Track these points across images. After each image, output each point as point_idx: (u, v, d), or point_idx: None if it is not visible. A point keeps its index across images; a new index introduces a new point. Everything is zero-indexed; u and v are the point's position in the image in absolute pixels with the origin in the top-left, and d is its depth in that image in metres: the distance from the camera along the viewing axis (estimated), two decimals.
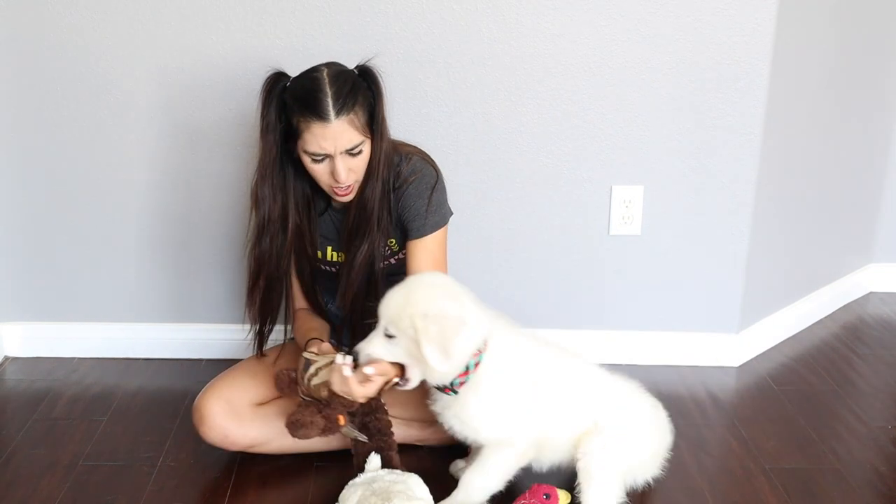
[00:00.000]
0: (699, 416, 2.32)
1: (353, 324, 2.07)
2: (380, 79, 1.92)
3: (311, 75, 1.89)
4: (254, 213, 2.02)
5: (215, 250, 2.50)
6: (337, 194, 1.94)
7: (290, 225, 2.00)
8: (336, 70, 1.90)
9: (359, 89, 1.88)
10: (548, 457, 1.91)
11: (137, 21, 2.30)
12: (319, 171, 1.90)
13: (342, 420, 1.85)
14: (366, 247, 1.99)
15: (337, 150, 1.86)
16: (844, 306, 3.02)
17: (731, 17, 2.31)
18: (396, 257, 2.09)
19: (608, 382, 1.94)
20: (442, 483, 1.98)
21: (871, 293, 3.13)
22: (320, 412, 1.84)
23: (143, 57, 2.33)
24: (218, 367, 2.22)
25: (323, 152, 1.86)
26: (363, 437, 1.92)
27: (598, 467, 1.83)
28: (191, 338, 2.58)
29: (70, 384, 2.44)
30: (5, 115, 2.39)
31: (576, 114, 2.39)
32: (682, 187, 2.47)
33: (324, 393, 1.84)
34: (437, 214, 2.02)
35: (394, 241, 2.06)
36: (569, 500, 1.88)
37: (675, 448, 2.17)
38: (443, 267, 2.05)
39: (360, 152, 1.89)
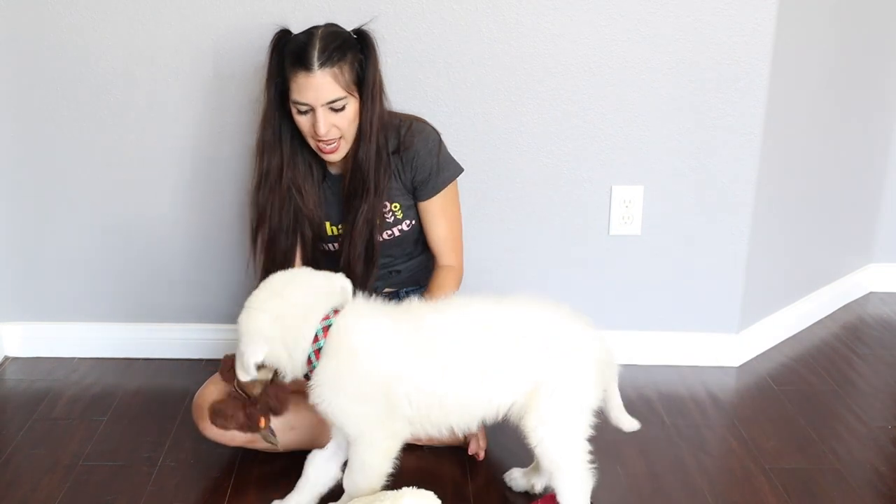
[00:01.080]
0: (699, 416, 2.32)
1: None
2: (375, 43, 1.98)
3: (307, 31, 1.97)
4: (257, 163, 2.08)
5: (216, 250, 2.50)
6: (322, 151, 1.99)
7: (283, 182, 2.05)
8: (332, 29, 1.98)
9: (348, 48, 1.94)
10: (465, 421, 1.77)
11: (137, 21, 2.30)
12: (304, 123, 1.96)
13: (263, 423, 1.84)
14: (364, 209, 2.03)
15: (318, 102, 1.91)
16: (844, 306, 3.02)
17: (731, 17, 2.31)
18: (400, 227, 2.12)
19: (529, 331, 1.76)
20: (440, 484, 1.98)
21: (871, 293, 3.13)
22: (244, 409, 1.84)
23: (143, 57, 2.33)
24: (218, 367, 2.22)
25: (305, 102, 1.92)
26: (276, 441, 1.92)
27: (562, 459, 1.74)
28: (191, 338, 2.58)
29: (70, 384, 2.44)
30: (5, 116, 2.38)
31: (576, 114, 2.39)
32: (682, 187, 2.47)
33: (256, 390, 1.83)
34: (447, 170, 2.10)
35: (398, 205, 2.10)
36: None
37: (675, 448, 2.17)
38: (457, 224, 2.15)
39: (342, 108, 1.94)
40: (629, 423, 1.88)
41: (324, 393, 1.72)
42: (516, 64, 2.35)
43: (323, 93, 1.91)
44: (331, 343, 1.71)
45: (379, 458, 1.77)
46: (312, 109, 1.93)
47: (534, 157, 2.43)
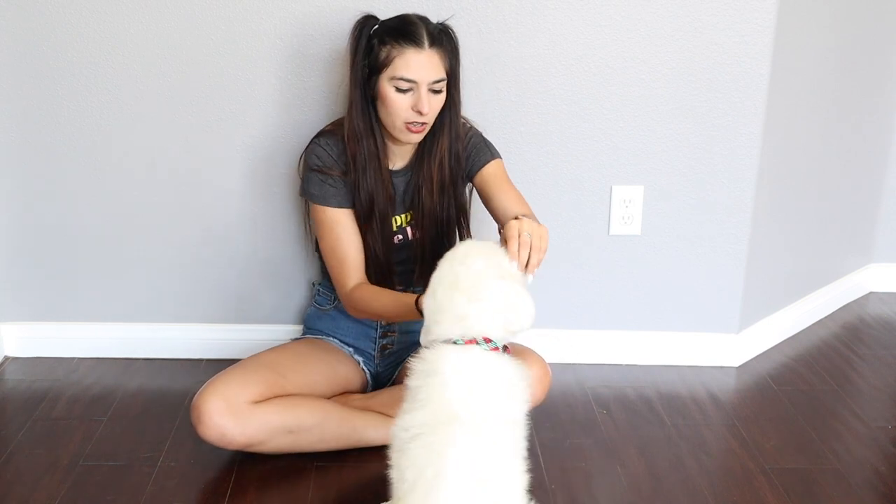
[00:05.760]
0: (699, 416, 2.32)
1: None
2: (457, 39, 2.02)
3: (399, 15, 1.99)
4: (348, 151, 2.05)
5: (216, 250, 2.50)
6: (411, 131, 1.98)
7: (382, 166, 2.06)
8: (424, 17, 2.00)
9: (445, 36, 2.00)
10: None
11: (138, 21, 2.30)
12: (401, 102, 1.94)
13: None
14: (453, 198, 2.10)
15: (426, 80, 1.93)
16: (844, 306, 3.02)
17: (731, 17, 2.32)
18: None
19: None
20: None
21: (871, 293, 3.13)
22: None
23: (143, 56, 2.33)
24: (218, 367, 2.22)
25: (412, 79, 1.92)
26: None
27: None
28: (191, 338, 2.58)
29: (70, 384, 2.44)
30: (5, 115, 2.38)
31: (576, 114, 2.39)
32: (682, 187, 2.47)
33: None
34: (493, 148, 2.14)
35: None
36: None
37: (675, 448, 2.18)
38: (518, 191, 2.10)
39: (440, 91, 1.96)
40: None
41: None
42: (516, 64, 2.35)
43: (431, 72, 1.93)
44: None
45: None
46: (413, 89, 1.93)
47: (534, 157, 2.43)
